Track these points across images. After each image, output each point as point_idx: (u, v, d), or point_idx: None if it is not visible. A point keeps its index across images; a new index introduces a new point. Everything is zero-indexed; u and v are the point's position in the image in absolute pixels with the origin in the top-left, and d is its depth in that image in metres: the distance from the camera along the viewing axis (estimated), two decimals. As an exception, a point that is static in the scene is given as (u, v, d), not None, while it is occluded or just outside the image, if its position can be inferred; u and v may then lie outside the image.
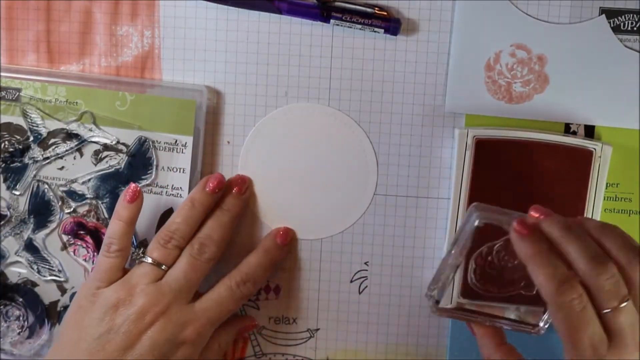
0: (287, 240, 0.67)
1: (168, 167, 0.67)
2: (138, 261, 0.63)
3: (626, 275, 0.53)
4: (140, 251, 0.63)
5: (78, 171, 0.67)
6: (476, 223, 0.58)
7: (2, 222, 0.68)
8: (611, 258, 0.54)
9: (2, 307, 0.69)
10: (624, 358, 0.53)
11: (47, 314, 0.69)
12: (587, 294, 0.53)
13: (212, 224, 0.64)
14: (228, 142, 0.68)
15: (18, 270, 0.69)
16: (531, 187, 0.65)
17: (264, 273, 0.66)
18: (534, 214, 0.56)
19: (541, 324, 0.60)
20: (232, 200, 0.66)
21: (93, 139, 0.67)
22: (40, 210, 0.68)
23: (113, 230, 0.63)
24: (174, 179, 0.67)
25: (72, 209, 0.68)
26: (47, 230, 0.68)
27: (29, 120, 0.67)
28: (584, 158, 0.64)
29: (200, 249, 0.63)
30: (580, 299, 0.53)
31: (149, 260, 0.62)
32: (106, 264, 0.63)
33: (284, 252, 0.67)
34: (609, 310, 0.53)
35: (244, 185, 0.67)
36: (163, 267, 0.62)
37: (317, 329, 0.70)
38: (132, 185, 0.64)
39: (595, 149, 0.64)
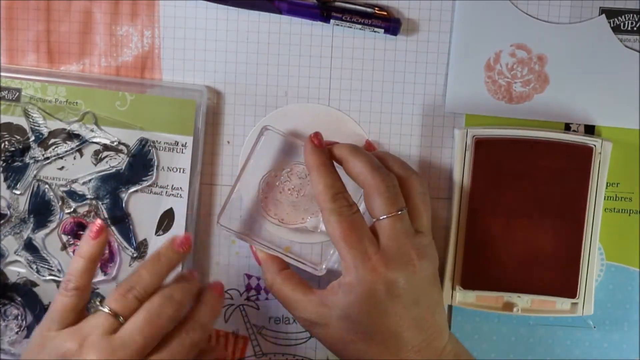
0: (221, 292, 0.64)
1: (168, 167, 0.67)
2: (94, 310, 0.58)
3: (405, 188, 0.60)
4: (98, 300, 0.59)
5: (78, 171, 0.67)
6: (263, 140, 0.64)
7: (2, 221, 0.68)
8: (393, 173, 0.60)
9: (0, 306, 0.69)
10: (390, 263, 0.58)
11: (47, 314, 0.69)
12: (369, 205, 0.59)
13: (177, 285, 0.60)
14: (228, 142, 0.68)
15: (17, 270, 0.68)
16: (532, 186, 0.65)
17: (210, 322, 0.62)
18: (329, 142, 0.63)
19: (323, 264, 0.66)
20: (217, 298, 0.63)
21: (94, 140, 0.67)
22: (41, 210, 0.68)
23: (73, 267, 0.59)
24: (174, 179, 0.67)
25: (72, 209, 0.68)
26: (47, 230, 0.68)
27: (31, 120, 0.67)
28: (584, 155, 0.64)
29: (162, 305, 0.57)
30: (351, 207, 0.59)
31: (106, 309, 0.57)
32: (60, 303, 0.58)
33: (222, 302, 0.64)
34: (385, 216, 0.58)
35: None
36: (120, 318, 0.57)
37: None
38: (98, 221, 0.61)
39: (595, 145, 0.64)
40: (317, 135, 0.62)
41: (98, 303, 0.58)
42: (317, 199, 0.60)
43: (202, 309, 0.61)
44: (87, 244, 0.60)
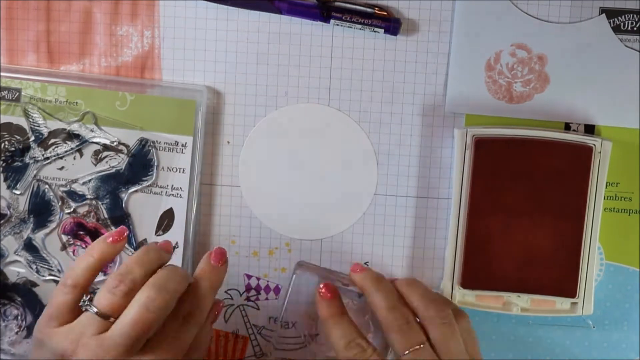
0: (222, 260, 0.61)
1: (168, 167, 0.67)
2: (83, 308, 0.57)
3: (426, 319, 0.61)
4: (87, 298, 0.57)
5: (77, 171, 0.67)
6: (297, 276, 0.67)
7: (2, 221, 0.68)
8: (412, 308, 0.62)
9: (0, 306, 0.69)
10: None
11: (47, 314, 0.69)
12: (389, 341, 0.61)
13: (168, 272, 0.58)
14: (228, 142, 0.68)
15: (17, 270, 0.68)
16: (532, 186, 0.65)
17: (207, 300, 0.60)
18: (353, 269, 0.65)
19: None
20: (201, 264, 0.61)
21: (94, 140, 0.67)
22: (40, 210, 0.68)
23: (78, 264, 0.59)
24: (174, 179, 0.67)
25: (72, 209, 0.68)
26: (46, 230, 0.68)
27: (31, 120, 0.67)
28: (584, 154, 0.64)
29: (151, 297, 0.55)
30: (364, 353, 0.60)
31: (94, 310, 0.56)
32: (58, 300, 0.57)
33: (222, 273, 0.61)
34: (407, 352, 0.60)
35: (223, 257, 0.62)
36: (110, 319, 0.55)
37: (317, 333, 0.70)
38: (123, 227, 0.61)
39: (595, 144, 0.64)
40: (325, 285, 0.64)
41: (87, 301, 0.56)
42: (333, 348, 0.62)
43: (199, 288, 0.59)
44: (103, 244, 0.60)
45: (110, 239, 0.60)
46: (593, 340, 0.69)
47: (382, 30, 0.65)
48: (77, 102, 0.67)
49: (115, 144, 0.67)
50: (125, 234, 0.60)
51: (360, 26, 0.65)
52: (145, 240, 0.68)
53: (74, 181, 0.67)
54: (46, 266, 0.68)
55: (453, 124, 0.67)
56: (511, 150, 0.65)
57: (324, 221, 0.68)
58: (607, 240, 0.67)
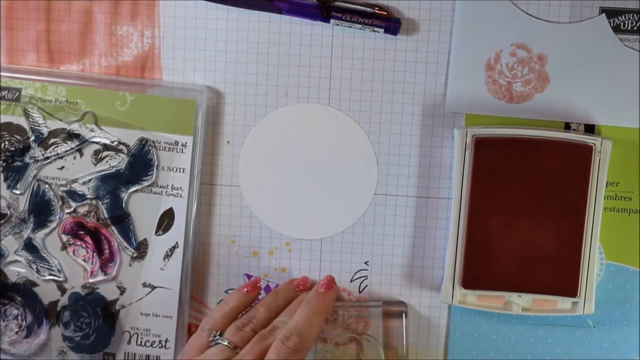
0: (331, 287, 0.66)
1: (168, 167, 0.67)
2: (214, 343, 0.62)
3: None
4: (217, 333, 0.63)
5: (78, 171, 0.67)
6: None
7: (2, 221, 0.68)
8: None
9: (0, 306, 0.69)
10: None
11: (46, 314, 0.69)
12: None
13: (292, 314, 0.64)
14: (228, 142, 0.68)
15: (17, 270, 0.68)
16: (532, 186, 0.65)
17: (308, 323, 0.63)
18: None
19: None
20: (315, 295, 0.66)
21: (94, 139, 0.67)
22: (41, 210, 0.68)
23: (217, 311, 0.65)
24: (174, 179, 0.67)
25: (72, 209, 0.68)
26: (46, 230, 0.68)
27: (31, 120, 0.67)
28: (584, 154, 0.64)
29: (272, 331, 0.62)
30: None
31: (225, 342, 0.62)
32: (193, 340, 0.63)
33: (327, 299, 0.66)
34: None
35: (330, 284, 0.67)
36: (237, 350, 0.61)
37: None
38: (254, 278, 0.68)
39: (595, 144, 0.64)
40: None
41: (218, 336, 0.62)
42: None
43: (299, 312, 0.63)
44: (239, 294, 0.66)
45: (246, 289, 0.66)
46: (593, 340, 0.69)
47: (382, 30, 0.65)
48: (77, 102, 0.67)
49: (115, 143, 0.67)
50: (259, 285, 0.67)
51: (360, 26, 0.65)
52: (145, 239, 0.68)
53: (74, 181, 0.67)
54: (46, 266, 0.68)
55: (453, 124, 0.67)
56: (511, 150, 0.65)
57: (324, 221, 0.68)
58: (607, 240, 0.67)
